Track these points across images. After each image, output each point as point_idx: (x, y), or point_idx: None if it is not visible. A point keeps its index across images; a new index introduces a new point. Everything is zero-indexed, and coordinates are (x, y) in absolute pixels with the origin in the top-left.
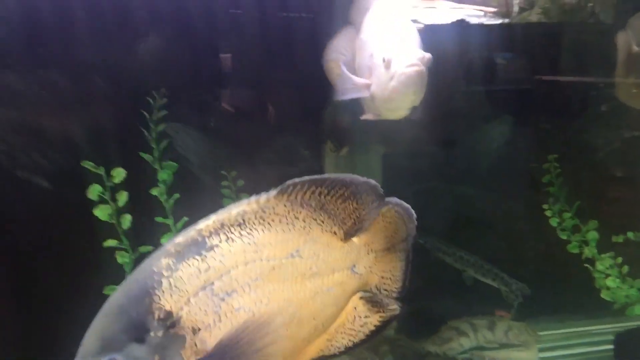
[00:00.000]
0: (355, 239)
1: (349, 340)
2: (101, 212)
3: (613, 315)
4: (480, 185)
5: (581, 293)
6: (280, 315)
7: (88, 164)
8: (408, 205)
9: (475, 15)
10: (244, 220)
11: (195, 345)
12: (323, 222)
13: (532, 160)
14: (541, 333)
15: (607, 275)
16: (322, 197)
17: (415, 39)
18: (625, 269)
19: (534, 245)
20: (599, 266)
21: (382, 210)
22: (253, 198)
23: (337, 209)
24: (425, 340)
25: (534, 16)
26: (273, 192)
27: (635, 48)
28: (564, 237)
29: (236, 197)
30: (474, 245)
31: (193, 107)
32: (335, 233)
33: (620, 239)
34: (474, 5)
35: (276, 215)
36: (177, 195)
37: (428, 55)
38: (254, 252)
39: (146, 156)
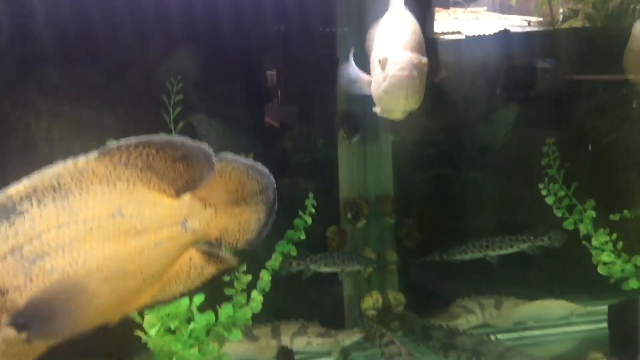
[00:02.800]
0: (188, 195)
1: (184, 287)
2: None
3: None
4: (489, 172)
5: (585, 273)
6: (100, 272)
7: None
8: (251, 161)
9: (520, 25)
10: (58, 183)
11: (6, 305)
12: (150, 181)
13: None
14: None
15: (603, 251)
16: (150, 158)
17: (417, 43)
18: (621, 245)
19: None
20: (595, 242)
21: (219, 167)
22: (70, 160)
23: (167, 170)
24: (433, 317)
25: (578, 23)
26: (93, 154)
27: None
28: (559, 215)
29: None
30: (480, 227)
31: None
32: (164, 191)
33: (616, 217)
34: (519, 15)
35: (95, 177)
36: None
37: (424, 59)
38: (68, 215)
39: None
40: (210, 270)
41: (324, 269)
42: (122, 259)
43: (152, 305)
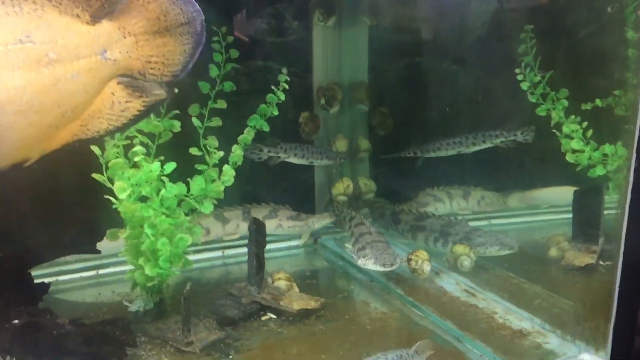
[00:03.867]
0: (105, 22)
1: (109, 124)
2: None
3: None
4: (463, 62)
5: (551, 169)
6: (13, 104)
7: None
8: None
9: None
10: None
11: None
12: (61, 4)
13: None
14: (511, 204)
15: (572, 139)
16: None
17: None
18: (590, 133)
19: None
20: (566, 129)
21: None
22: None
23: None
24: (402, 203)
25: None
26: None
27: None
28: (533, 101)
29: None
30: (454, 117)
31: None
32: (77, 16)
33: (588, 106)
34: None
35: None
36: None
37: None
38: None
39: None
40: (135, 105)
41: (294, 160)
42: (36, 90)
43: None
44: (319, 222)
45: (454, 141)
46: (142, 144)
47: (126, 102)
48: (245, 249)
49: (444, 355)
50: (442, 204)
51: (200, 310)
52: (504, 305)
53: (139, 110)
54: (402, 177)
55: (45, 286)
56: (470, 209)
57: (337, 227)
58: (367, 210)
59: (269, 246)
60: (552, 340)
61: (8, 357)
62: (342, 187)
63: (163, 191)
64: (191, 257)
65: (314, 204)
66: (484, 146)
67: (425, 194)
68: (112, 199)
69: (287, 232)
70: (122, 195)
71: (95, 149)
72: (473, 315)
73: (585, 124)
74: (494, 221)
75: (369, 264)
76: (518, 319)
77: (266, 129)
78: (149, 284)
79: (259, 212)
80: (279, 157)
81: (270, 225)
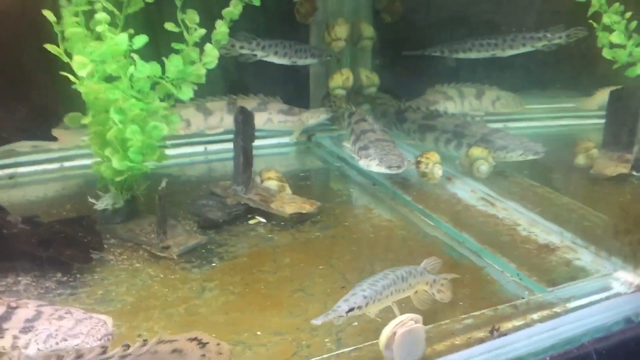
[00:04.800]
0: None
1: None
2: None
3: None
4: None
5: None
6: None
7: None
8: None
9: None
10: None
11: None
12: None
13: None
14: (530, 106)
15: (612, 31)
16: None
17: None
18: (634, 24)
19: None
20: (606, 19)
21: None
22: None
23: None
24: (408, 100)
25: None
26: None
27: None
28: None
29: None
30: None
31: None
32: None
33: None
34: None
35: None
36: None
37: None
38: None
39: None
40: None
41: (274, 59)
42: None
43: None
44: (313, 117)
45: (489, 42)
46: (106, 11)
47: None
48: (230, 145)
49: (460, 271)
50: (452, 102)
51: (179, 212)
52: (528, 216)
53: None
54: (408, 71)
55: None
56: (484, 110)
57: (333, 124)
58: (369, 106)
59: (255, 142)
60: (584, 257)
61: None
62: (340, 80)
63: (133, 70)
64: (169, 152)
65: (309, 98)
66: (522, 50)
67: (435, 91)
68: (70, 76)
69: (277, 127)
70: (82, 73)
71: (48, 14)
72: (493, 226)
73: (628, 14)
74: (509, 124)
75: (373, 165)
76: (545, 232)
77: (256, 2)
78: (118, 179)
79: (247, 104)
80: (255, 55)
81: (259, 119)
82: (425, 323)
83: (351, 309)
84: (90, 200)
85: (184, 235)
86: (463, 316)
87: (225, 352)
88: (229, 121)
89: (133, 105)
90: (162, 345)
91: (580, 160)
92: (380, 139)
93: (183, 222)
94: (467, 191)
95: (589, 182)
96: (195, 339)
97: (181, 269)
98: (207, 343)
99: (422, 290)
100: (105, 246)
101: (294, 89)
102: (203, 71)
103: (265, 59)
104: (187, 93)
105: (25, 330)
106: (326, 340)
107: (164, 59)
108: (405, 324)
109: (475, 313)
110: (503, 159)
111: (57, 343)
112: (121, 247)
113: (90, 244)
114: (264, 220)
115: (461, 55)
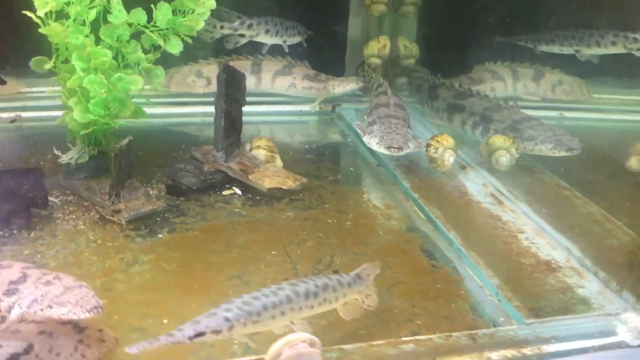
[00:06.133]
0: None
1: None
2: None
3: None
4: None
5: None
6: None
7: None
8: None
9: None
10: None
11: None
12: None
13: None
14: (598, 95)
15: None
16: None
17: None
18: None
19: None
20: None
21: None
22: None
23: None
24: (449, 78)
25: None
26: None
27: None
28: None
29: None
30: None
31: None
32: None
33: None
34: None
35: None
36: None
37: None
38: None
39: None
40: None
41: (265, 39)
42: None
43: None
44: (341, 86)
45: (573, 36)
46: None
47: None
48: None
49: (433, 278)
50: (502, 83)
51: (156, 174)
52: (537, 223)
53: None
54: (456, 45)
55: None
56: (540, 95)
57: (365, 95)
58: (405, 80)
59: (274, 108)
60: (590, 285)
61: None
62: (376, 47)
63: (95, 14)
64: (159, 110)
65: (344, 65)
66: (612, 50)
67: (483, 68)
68: (31, 15)
69: (301, 93)
70: (42, 12)
71: None
72: (491, 229)
73: None
74: (567, 113)
75: (373, 143)
76: (550, 246)
77: None
78: (83, 132)
79: (270, 66)
80: (243, 36)
81: (282, 84)
82: (352, 340)
83: (199, 334)
84: (56, 152)
85: (142, 199)
86: (404, 339)
87: (109, 340)
88: (252, 82)
89: (96, 53)
90: (26, 324)
91: (633, 162)
92: (391, 115)
93: (150, 185)
94: (477, 184)
95: (634, 190)
96: (70, 322)
97: (124, 236)
98: (86, 328)
99: (352, 299)
100: (59, 202)
101: (330, 54)
102: (199, 23)
103: (254, 39)
104: (175, 46)
105: (8, 292)
106: (234, 341)
107: (152, 7)
108: (294, 345)
109: (421, 338)
110: (531, 152)
111: (41, 309)
112: (75, 205)
113: (32, 200)
114: (239, 192)
115: (544, 48)
